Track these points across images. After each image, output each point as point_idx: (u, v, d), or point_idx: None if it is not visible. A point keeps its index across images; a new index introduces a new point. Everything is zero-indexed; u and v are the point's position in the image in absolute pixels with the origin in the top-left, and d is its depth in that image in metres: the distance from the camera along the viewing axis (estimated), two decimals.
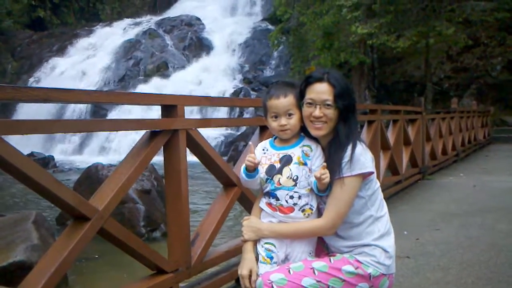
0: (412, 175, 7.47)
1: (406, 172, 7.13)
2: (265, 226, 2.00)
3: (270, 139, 2.12)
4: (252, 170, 2.00)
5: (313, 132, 1.99)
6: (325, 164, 1.92)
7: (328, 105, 1.94)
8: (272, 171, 1.99)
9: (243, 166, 2.02)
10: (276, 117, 2.00)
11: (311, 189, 1.99)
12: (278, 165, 1.99)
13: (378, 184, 2.07)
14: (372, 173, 1.98)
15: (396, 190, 6.56)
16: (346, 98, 1.97)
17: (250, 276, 1.94)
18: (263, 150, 2.08)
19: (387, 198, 5.76)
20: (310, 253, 2.01)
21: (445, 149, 9.87)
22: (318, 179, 1.88)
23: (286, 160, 1.98)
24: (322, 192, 1.94)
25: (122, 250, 2.31)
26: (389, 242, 2.03)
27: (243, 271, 1.95)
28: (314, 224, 1.97)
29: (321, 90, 1.96)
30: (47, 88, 1.77)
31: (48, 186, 1.81)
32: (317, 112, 1.94)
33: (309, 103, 1.97)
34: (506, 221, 4.84)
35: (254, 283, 1.92)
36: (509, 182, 7.41)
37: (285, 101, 1.98)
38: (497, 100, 18.68)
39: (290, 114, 1.99)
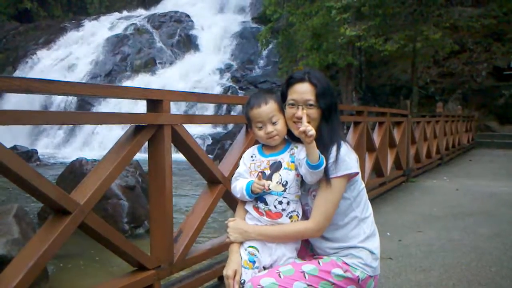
0: (396, 177, 7.52)
1: (391, 174, 7.17)
2: (251, 228, 1.97)
3: (258, 145, 2.10)
4: (257, 193, 1.97)
5: (297, 133, 1.97)
6: (305, 117, 1.89)
7: (310, 105, 1.94)
8: (262, 178, 1.97)
9: (248, 184, 1.97)
10: (261, 126, 1.99)
11: (300, 196, 1.99)
12: (268, 172, 1.98)
13: (363, 185, 2.07)
14: (357, 173, 1.97)
15: (380, 191, 6.60)
16: (328, 97, 1.96)
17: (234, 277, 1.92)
18: (252, 157, 2.06)
19: (371, 200, 5.77)
20: (295, 257, 2.00)
21: (430, 153, 9.97)
22: (303, 132, 1.81)
23: (276, 167, 1.97)
24: (314, 163, 1.85)
25: (104, 246, 2.27)
26: (375, 244, 2.03)
27: (228, 271, 1.92)
28: (302, 227, 1.95)
29: (303, 90, 1.96)
30: (29, 78, 1.73)
31: (28, 179, 1.77)
32: (299, 112, 1.94)
33: (291, 104, 1.97)
34: (487, 225, 4.90)
35: (238, 284, 1.89)
36: (491, 186, 7.50)
37: (267, 108, 1.97)
38: (481, 105, 18.92)
39: (275, 120, 1.98)
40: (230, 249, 1.99)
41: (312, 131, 1.82)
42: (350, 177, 1.95)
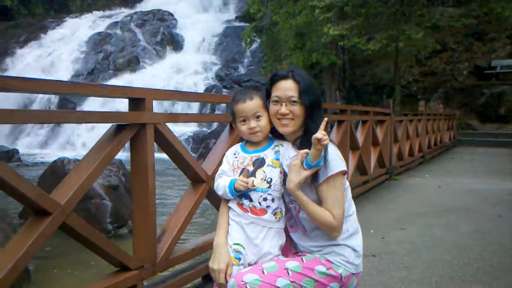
0: (379, 175, 7.58)
1: (374, 173, 7.23)
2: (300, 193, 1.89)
3: (241, 143, 2.10)
4: (240, 191, 1.96)
5: (281, 129, 1.99)
6: (324, 123, 1.86)
7: (294, 101, 1.95)
8: (245, 174, 1.97)
9: (231, 182, 1.96)
10: (244, 121, 2.00)
11: (283, 193, 1.99)
12: (251, 168, 1.97)
13: (348, 183, 2.08)
14: (346, 172, 1.98)
15: (364, 189, 6.64)
16: (311, 94, 1.98)
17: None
18: (234, 154, 2.06)
19: (355, 198, 5.81)
20: (279, 254, 1.99)
21: (412, 151, 10.07)
22: (319, 140, 1.80)
23: (260, 163, 1.97)
24: (313, 163, 1.86)
25: (85, 247, 2.24)
26: (358, 241, 2.04)
27: (220, 265, 1.89)
28: (328, 218, 1.89)
29: (286, 87, 1.97)
30: (5, 76, 1.70)
31: (6, 179, 1.73)
32: (283, 109, 1.95)
33: (275, 101, 1.98)
34: (469, 221, 4.97)
35: (229, 277, 1.87)
36: (472, 184, 7.61)
37: (251, 103, 1.98)
38: (463, 104, 19.19)
39: (258, 116, 1.98)
40: (216, 242, 1.97)
41: (327, 141, 1.83)
42: (343, 173, 1.96)
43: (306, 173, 1.88)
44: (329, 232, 1.95)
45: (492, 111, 18.41)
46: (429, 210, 5.57)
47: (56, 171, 6.48)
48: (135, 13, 27.77)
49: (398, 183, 7.83)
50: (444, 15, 17.02)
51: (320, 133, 1.82)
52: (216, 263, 1.91)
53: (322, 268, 1.93)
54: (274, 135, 2.06)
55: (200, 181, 2.94)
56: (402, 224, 4.86)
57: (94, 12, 29.07)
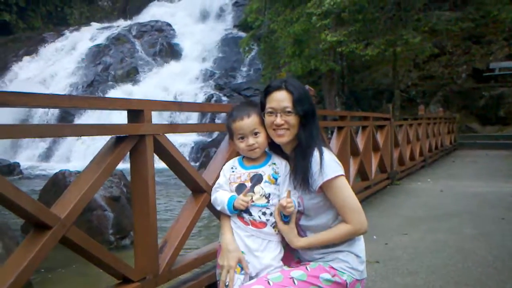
0: (381, 180, 7.56)
1: (375, 178, 7.22)
2: (302, 239, 2.01)
3: (239, 157, 2.13)
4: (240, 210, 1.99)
5: (277, 140, 2.01)
6: (289, 191, 1.93)
7: (288, 112, 1.98)
8: (242, 189, 1.99)
9: (230, 200, 1.98)
10: (242, 138, 2.02)
11: None
12: (248, 184, 2.00)
13: None
14: (342, 176, 1.98)
15: (366, 195, 6.62)
16: (305, 103, 2.00)
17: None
18: (232, 168, 2.09)
19: None
20: (281, 266, 1.99)
21: (413, 155, 10.06)
22: (284, 207, 1.90)
23: (257, 179, 2.00)
24: (286, 217, 1.96)
25: (87, 259, 2.23)
26: (360, 247, 2.05)
27: (230, 261, 1.90)
28: (347, 231, 1.95)
29: (280, 98, 1.99)
30: (5, 91, 1.69)
31: (6, 193, 1.73)
32: (278, 119, 1.98)
33: (270, 112, 2.00)
34: (472, 225, 4.94)
35: (247, 276, 1.89)
36: (475, 187, 7.58)
37: (249, 121, 2.01)
38: (462, 107, 19.19)
39: (256, 133, 2.01)
40: (224, 239, 1.98)
41: (292, 208, 1.92)
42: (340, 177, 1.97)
43: (288, 227, 1.97)
44: (358, 235, 2.00)
45: (492, 114, 18.41)
46: (432, 214, 5.55)
47: (58, 184, 6.48)
48: (133, 24, 27.88)
49: (400, 188, 7.81)
50: (441, 19, 17.07)
51: (285, 201, 1.90)
52: (223, 260, 1.92)
53: (327, 275, 1.93)
54: (271, 146, 2.08)
55: (200, 191, 2.93)
56: (405, 229, 4.84)
57: (92, 24, 29.22)
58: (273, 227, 1.99)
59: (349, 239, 1.98)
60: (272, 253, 1.98)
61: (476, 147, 15.76)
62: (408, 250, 4.07)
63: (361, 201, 6.18)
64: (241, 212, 1.99)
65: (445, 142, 14.59)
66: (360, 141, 6.70)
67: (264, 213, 1.97)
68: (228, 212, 1.99)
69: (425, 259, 3.80)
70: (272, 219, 1.98)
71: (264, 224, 1.97)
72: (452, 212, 5.65)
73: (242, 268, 1.93)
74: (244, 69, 24.01)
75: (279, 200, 1.97)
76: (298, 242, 1.97)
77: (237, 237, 1.99)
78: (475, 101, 18.91)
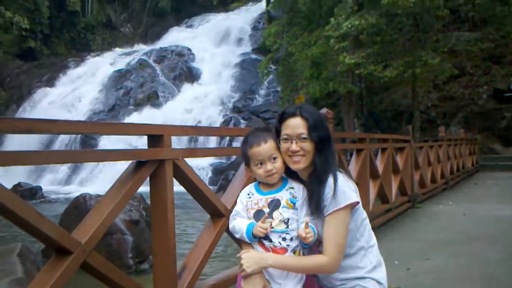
0: (401, 203, 7.46)
1: (396, 201, 7.12)
2: (269, 255, 1.93)
3: (255, 183, 2.12)
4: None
5: (293, 166, 2.00)
6: (307, 222, 1.92)
7: (304, 138, 1.97)
8: (260, 216, 1.98)
9: (249, 228, 1.96)
10: (261, 164, 2.02)
11: None
12: (266, 210, 1.98)
13: (365, 214, 2.06)
14: (358, 203, 1.97)
15: (386, 218, 6.53)
16: (320, 129, 1.99)
17: None
18: (248, 194, 2.08)
19: (378, 227, 5.73)
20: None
21: (434, 177, 9.91)
22: (303, 238, 1.89)
23: (275, 205, 1.98)
24: (306, 245, 1.95)
25: (106, 285, 2.25)
26: (382, 274, 2.02)
27: (256, 286, 1.87)
28: (318, 262, 1.92)
29: (295, 125, 1.99)
30: (30, 119, 1.75)
31: (28, 219, 1.77)
32: (293, 146, 1.97)
33: (285, 139, 2.00)
34: (496, 249, 4.83)
35: None
36: (498, 210, 7.42)
37: (266, 146, 2.01)
38: (484, 128, 18.91)
39: (274, 158, 2.01)
40: (252, 252, 1.94)
41: (311, 238, 1.90)
42: (351, 206, 1.94)
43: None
44: (327, 272, 1.95)
45: None
46: (454, 238, 5.44)
47: (79, 207, 6.55)
48: (154, 49, 28.43)
49: (421, 211, 7.68)
50: (460, 39, 17.00)
51: (304, 232, 1.88)
52: (251, 284, 1.88)
53: None
54: (287, 171, 2.07)
55: (219, 215, 2.94)
56: (427, 254, 4.74)
57: (115, 49, 29.89)
58: (294, 253, 1.96)
59: (315, 271, 1.96)
60: (293, 279, 1.96)
61: (498, 169, 15.45)
62: (430, 276, 3.99)
63: (382, 224, 6.15)
64: (261, 239, 1.97)
65: (467, 164, 14.35)
66: (380, 164, 6.65)
67: (284, 239, 1.95)
68: (247, 240, 1.97)
69: (448, 285, 3.72)
70: (292, 244, 1.95)
71: (285, 250, 1.95)
72: (475, 236, 5.53)
73: None
74: (263, 91, 24.17)
75: (297, 229, 1.96)
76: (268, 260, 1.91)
77: None
78: (496, 122, 18.63)
